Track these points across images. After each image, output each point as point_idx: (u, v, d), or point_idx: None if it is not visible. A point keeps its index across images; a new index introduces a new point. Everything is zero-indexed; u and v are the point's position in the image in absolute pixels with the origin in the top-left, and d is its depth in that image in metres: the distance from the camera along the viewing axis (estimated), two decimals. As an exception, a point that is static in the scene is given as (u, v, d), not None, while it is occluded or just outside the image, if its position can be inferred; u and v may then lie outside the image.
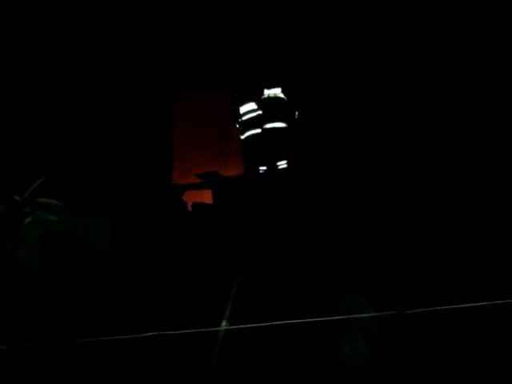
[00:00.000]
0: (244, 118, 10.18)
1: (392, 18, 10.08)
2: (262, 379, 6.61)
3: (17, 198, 3.57)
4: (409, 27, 9.94)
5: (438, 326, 6.60)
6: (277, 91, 10.06)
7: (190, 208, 10.22)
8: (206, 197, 10.40)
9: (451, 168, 9.01)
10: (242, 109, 10.21)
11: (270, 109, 9.99)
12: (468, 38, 9.57)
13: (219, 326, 6.67)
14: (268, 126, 9.94)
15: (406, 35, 9.96)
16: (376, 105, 9.94)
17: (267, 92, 10.07)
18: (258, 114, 10.09)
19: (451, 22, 9.70)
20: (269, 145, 9.91)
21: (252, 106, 10.17)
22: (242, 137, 10.25)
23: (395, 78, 9.94)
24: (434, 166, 9.11)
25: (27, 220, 3.67)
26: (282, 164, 9.95)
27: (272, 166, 9.96)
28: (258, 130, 10.06)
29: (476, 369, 6.39)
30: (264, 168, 10.05)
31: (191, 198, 10.40)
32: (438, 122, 9.44)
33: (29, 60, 9.56)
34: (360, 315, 5.90)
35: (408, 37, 9.93)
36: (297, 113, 10.07)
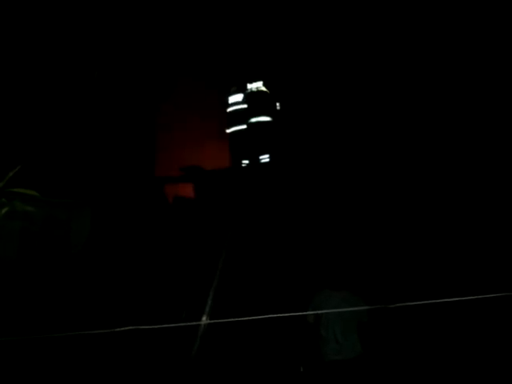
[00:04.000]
0: (229, 109, 10.13)
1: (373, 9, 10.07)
2: (242, 374, 6.58)
3: (-9, 187, 3.48)
4: (390, 18, 9.96)
5: (421, 320, 6.61)
6: (259, 84, 10.02)
7: (171, 201, 10.14)
8: (188, 190, 10.33)
9: (431, 163, 9.03)
10: (231, 99, 10.15)
11: (254, 103, 9.94)
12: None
13: (199, 320, 6.64)
14: (253, 120, 9.90)
15: (387, 25, 9.97)
16: (359, 96, 9.92)
17: (250, 86, 10.02)
18: (243, 108, 10.04)
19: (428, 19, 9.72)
20: (253, 139, 9.87)
21: (239, 97, 10.10)
22: (228, 131, 10.19)
23: (378, 68, 9.93)
24: (418, 159, 9.14)
25: (4, 210, 3.59)
26: (265, 158, 9.92)
27: (256, 160, 9.93)
28: (243, 125, 10.02)
29: (460, 363, 6.42)
30: (247, 162, 10.02)
31: (173, 191, 10.31)
32: (420, 112, 9.46)
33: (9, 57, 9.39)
34: (348, 309, 5.86)
35: (389, 27, 9.94)
36: (278, 104, 10.03)
